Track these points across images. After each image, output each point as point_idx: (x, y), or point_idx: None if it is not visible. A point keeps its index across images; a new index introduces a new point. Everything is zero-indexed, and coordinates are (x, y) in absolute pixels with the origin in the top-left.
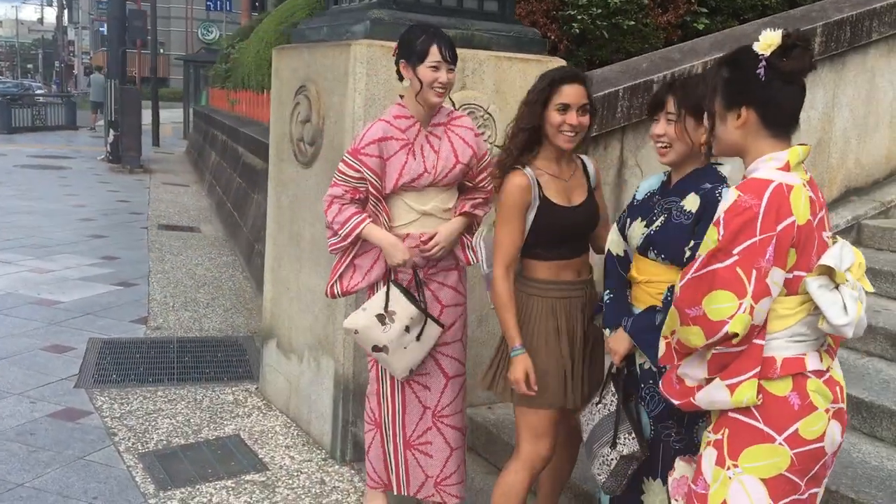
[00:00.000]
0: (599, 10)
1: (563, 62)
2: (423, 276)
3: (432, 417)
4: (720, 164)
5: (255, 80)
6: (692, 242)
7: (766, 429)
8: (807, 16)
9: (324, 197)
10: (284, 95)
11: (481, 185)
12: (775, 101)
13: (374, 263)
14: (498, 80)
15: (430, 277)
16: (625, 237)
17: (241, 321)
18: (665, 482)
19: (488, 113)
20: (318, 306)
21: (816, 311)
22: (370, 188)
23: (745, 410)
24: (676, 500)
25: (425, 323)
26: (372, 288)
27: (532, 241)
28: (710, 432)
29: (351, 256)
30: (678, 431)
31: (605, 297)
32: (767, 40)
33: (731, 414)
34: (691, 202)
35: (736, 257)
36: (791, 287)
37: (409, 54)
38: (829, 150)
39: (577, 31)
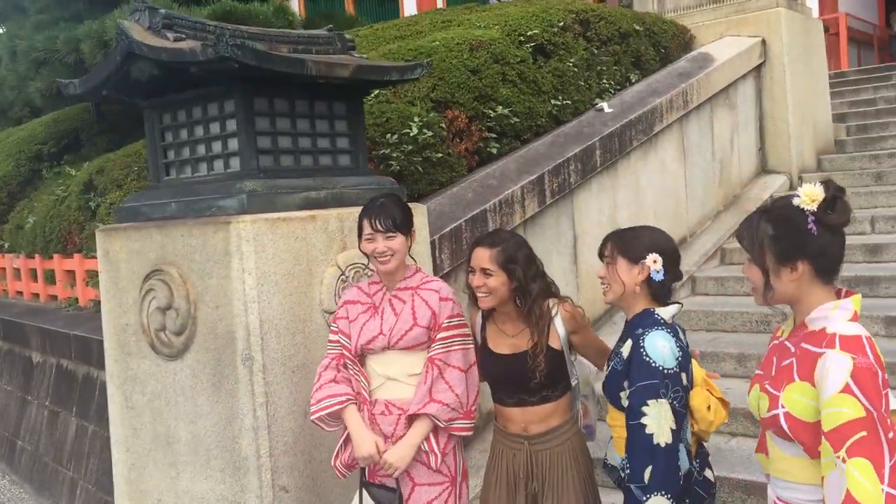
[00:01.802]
0: (410, 147)
1: (423, 207)
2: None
3: None
4: (670, 304)
5: None
6: (626, 389)
7: None
8: (581, 132)
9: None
10: (124, 281)
11: (434, 344)
12: (826, 252)
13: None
14: None
15: None
16: None
17: None
18: None
19: (371, 269)
20: None
21: None
22: (345, 351)
23: None
24: None
25: None
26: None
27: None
28: None
29: (346, 433)
30: None
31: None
32: (811, 195)
33: None
34: (627, 347)
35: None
36: None
37: (357, 230)
38: None
39: (397, 168)
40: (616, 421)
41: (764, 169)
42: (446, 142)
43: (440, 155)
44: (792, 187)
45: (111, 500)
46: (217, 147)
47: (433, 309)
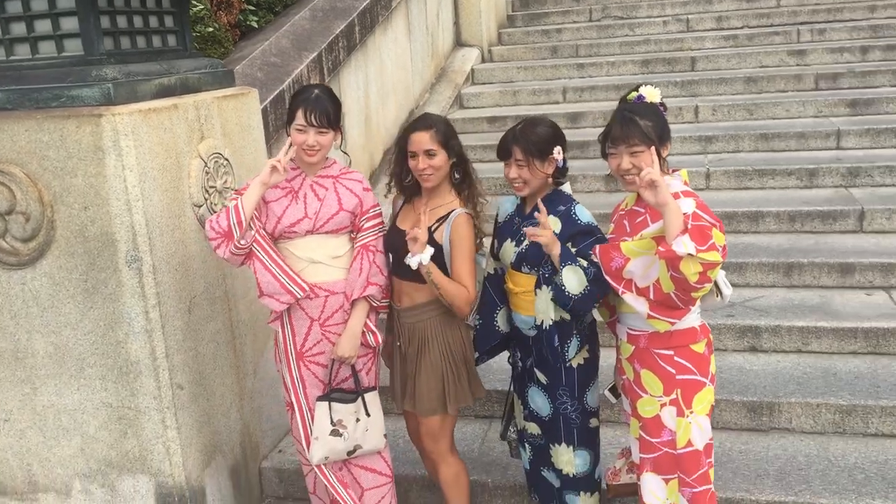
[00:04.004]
0: None
1: (255, 91)
2: (322, 329)
3: None
4: (562, 183)
5: None
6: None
7: (701, 378)
8: (335, 7)
9: (204, 228)
10: None
11: (363, 233)
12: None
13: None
14: (223, 121)
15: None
16: (496, 257)
17: None
18: (569, 445)
19: (226, 159)
20: (92, 425)
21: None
22: (258, 233)
23: (688, 370)
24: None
25: (363, 399)
26: (301, 413)
27: None
28: (659, 397)
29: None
30: (572, 403)
31: (475, 322)
32: (653, 92)
33: (678, 377)
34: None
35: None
36: None
37: (288, 113)
38: (371, 122)
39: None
40: (521, 286)
41: (458, 42)
42: (212, 14)
43: (210, 29)
44: (484, 59)
45: None
46: (43, 26)
47: (359, 197)
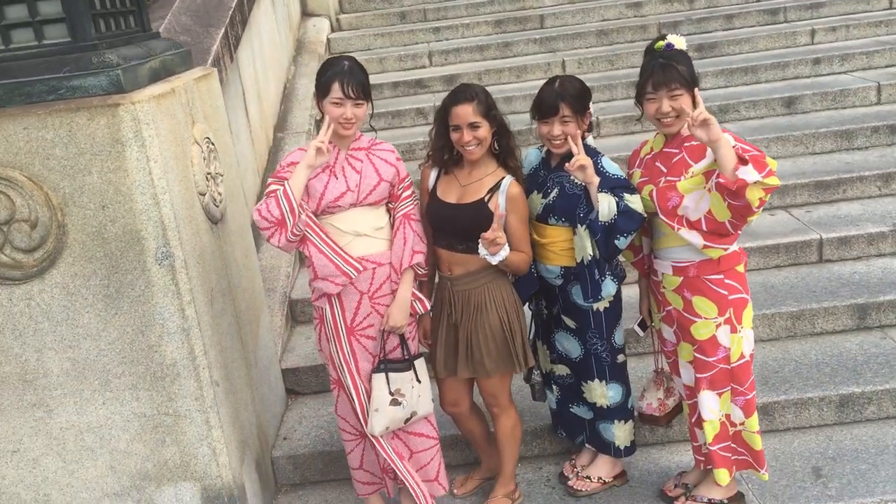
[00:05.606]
0: None
1: (216, 70)
2: (372, 301)
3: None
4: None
5: None
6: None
7: (745, 296)
8: None
9: (253, 218)
10: None
11: (403, 202)
12: None
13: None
14: (202, 104)
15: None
16: None
17: None
18: (602, 380)
19: (213, 143)
20: (123, 439)
21: None
22: (307, 216)
23: (737, 290)
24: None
25: (413, 366)
26: (356, 387)
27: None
28: (714, 318)
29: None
30: (602, 343)
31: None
32: (679, 39)
33: (731, 297)
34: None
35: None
36: None
37: (318, 88)
38: (262, 98)
39: None
40: (548, 237)
41: (305, 12)
42: None
43: None
44: (334, 29)
45: None
46: (17, 12)
47: (395, 166)
